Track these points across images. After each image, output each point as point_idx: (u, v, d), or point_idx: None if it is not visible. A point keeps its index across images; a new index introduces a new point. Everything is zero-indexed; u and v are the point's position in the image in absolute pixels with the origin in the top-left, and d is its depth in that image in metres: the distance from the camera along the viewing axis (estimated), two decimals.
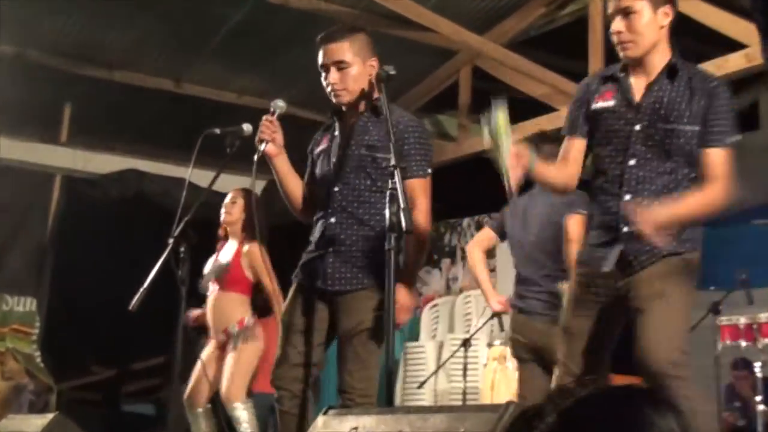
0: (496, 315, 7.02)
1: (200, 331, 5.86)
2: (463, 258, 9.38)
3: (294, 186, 3.81)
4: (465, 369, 6.97)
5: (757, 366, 6.11)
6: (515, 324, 4.81)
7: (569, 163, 3.36)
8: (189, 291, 4.17)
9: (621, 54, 3.19)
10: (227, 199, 5.66)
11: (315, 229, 3.75)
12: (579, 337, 3.23)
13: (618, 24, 3.11)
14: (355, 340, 3.51)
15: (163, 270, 4.19)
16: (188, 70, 8.14)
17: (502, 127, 3.17)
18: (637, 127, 3.17)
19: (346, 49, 3.61)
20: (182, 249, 4.17)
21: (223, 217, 5.68)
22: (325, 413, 2.72)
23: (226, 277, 5.55)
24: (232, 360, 5.41)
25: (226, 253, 5.67)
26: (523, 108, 8.34)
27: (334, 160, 3.71)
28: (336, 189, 3.67)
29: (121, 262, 5.30)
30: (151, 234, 4.45)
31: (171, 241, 4.15)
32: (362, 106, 3.70)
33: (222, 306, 5.55)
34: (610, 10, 3.16)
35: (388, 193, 3.16)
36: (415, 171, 3.61)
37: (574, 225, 4.41)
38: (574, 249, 4.09)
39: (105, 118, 8.54)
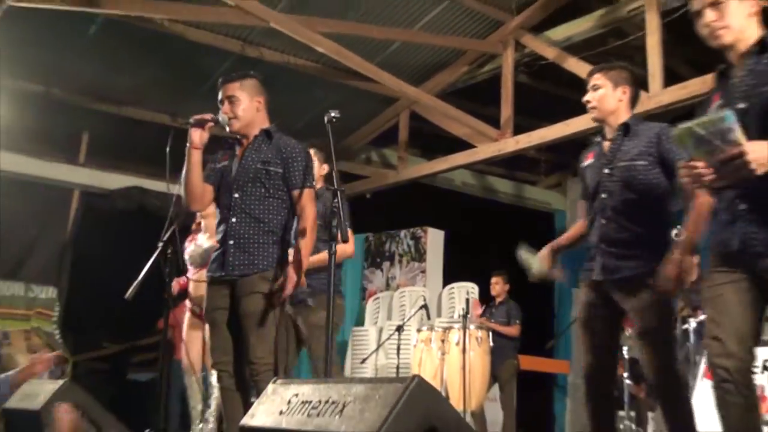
0: (423, 307, 7.10)
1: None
2: (400, 261, 9.42)
3: (199, 179, 3.68)
4: (398, 349, 6.99)
5: (625, 349, 6.18)
6: None
7: None
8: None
9: (714, 42, 2.66)
10: None
11: (219, 231, 3.69)
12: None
13: (709, 14, 2.64)
14: (255, 317, 3.43)
15: (155, 267, 4.19)
16: (182, 108, 8.08)
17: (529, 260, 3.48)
18: None
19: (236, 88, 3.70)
20: (169, 250, 4.17)
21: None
22: (274, 382, 2.71)
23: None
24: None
25: (202, 240, 5.45)
26: (448, 144, 8.43)
27: (234, 173, 3.67)
28: (236, 195, 3.62)
29: (125, 260, 5.22)
30: (149, 239, 4.41)
31: (160, 244, 4.15)
32: (257, 132, 3.70)
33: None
34: (697, 6, 2.68)
35: (330, 210, 3.19)
36: (303, 182, 3.61)
37: None
38: None
39: (115, 144, 8.46)
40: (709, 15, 2.63)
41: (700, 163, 2.37)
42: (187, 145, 3.61)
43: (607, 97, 3.37)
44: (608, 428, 3.31)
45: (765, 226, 2.44)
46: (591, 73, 3.46)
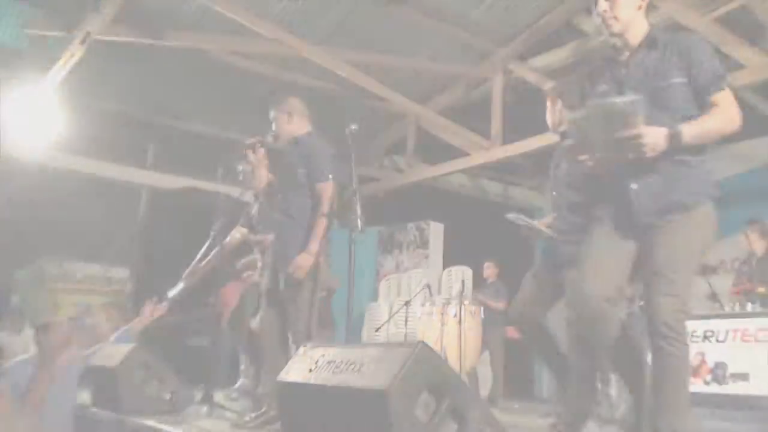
0: (426, 286, 7.07)
1: None
2: (407, 249, 9.41)
3: None
4: (406, 320, 6.99)
5: None
6: None
7: None
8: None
9: (605, 30, 2.48)
10: None
11: None
12: None
13: (602, 4, 2.45)
14: (293, 296, 3.44)
15: (206, 253, 4.20)
16: (230, 122, 8.10)
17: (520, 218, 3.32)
18: None
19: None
20: (219, 239, 4.18)
21: None
22: (305, 346, 2.69)
23: None
24: None
25: None
26: (448, 152, 8.40)
27: (278, 179, 3.73)
28: (279, 196, 3.66)
29: (184, 247, 5.25)
30: (203, 230, 4.43)
31: (212, 233, 4.16)
32: (290, 139, 3.66)
33: None
34: None
35: (351, 206, 3.18)
36: (319, 177, 3.53)
37: None
38: None
39: (176, 152, 8.49)
40: (602, 4, 2.43)
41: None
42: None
43: (548, 112, 3.42)
44: (554, 352, 3.18)
45: (651, 199, 2.33)
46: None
